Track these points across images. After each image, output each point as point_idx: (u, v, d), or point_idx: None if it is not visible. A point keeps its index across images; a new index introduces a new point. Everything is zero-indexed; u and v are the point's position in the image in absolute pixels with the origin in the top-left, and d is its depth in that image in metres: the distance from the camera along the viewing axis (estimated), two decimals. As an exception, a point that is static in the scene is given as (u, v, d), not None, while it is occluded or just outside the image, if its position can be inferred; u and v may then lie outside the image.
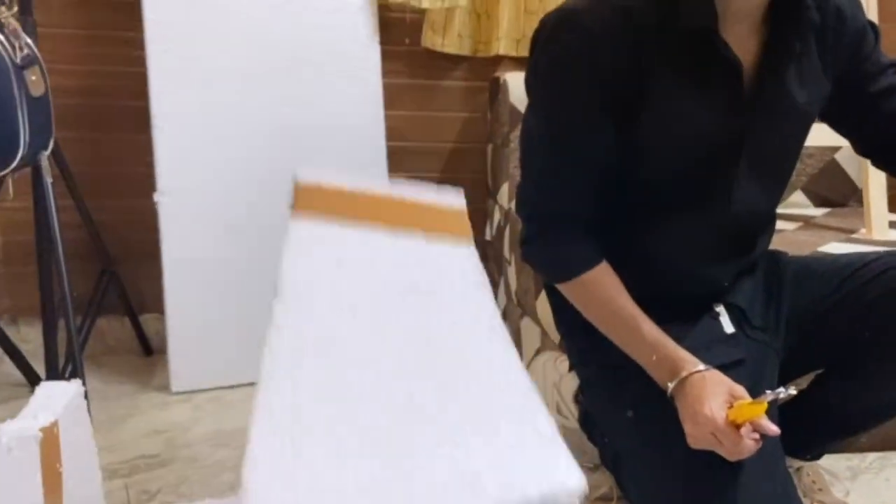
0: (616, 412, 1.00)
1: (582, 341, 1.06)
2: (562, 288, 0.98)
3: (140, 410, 1.51)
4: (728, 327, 1.00)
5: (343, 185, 0.74)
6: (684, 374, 0.88)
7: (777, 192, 1.04)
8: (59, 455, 0.88)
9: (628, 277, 0.95)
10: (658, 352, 0.91)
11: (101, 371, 1.64)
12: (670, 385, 0.89)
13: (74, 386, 0.93)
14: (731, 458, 0.83)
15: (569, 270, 0.96)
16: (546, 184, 0.95)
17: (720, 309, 1.01)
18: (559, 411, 1.21)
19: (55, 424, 0.87)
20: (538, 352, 1.44)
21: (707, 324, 0.99)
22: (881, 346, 0.99)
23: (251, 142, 1.59)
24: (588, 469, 1.20)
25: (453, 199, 0.75)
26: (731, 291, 1.02)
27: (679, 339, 0.92)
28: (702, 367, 0.88)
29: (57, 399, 0.90)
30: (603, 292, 0.95)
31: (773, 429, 0.82)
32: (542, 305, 1.41)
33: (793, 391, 0.82)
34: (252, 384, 1.65)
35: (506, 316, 1.73)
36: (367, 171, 1.66)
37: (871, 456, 1.34)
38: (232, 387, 1.61)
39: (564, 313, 1.09)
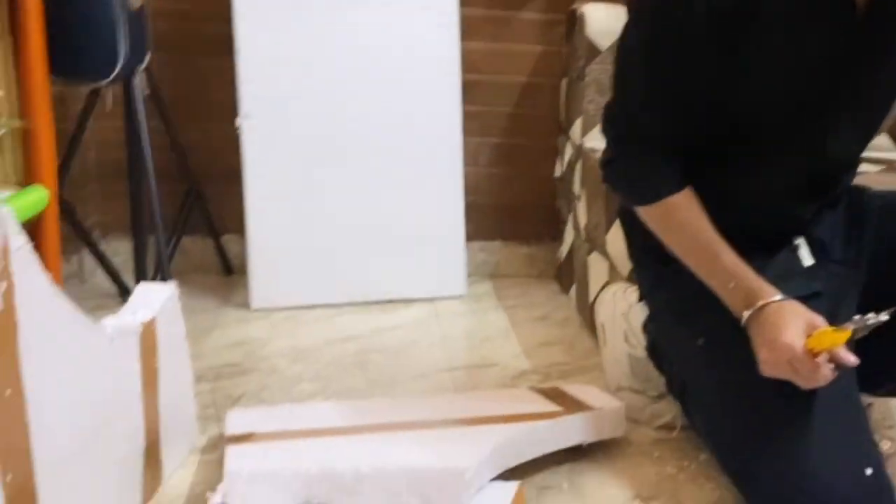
0: (686, 340, 1.01)
1: (655, 270, 1.06)
2: (642, 211, 0.99)
3: (222, 324, 1.59)
4: (807, 260, 0.99)
5: None
6: (761, 302, 0.88)
7: (871, 136, 1.01)
8: (156, 351, 0.95)
9: (709, 209, 0.95)
10: (736, 279, 0.91)
11: (186, 287, 1.71)
12: (746, 313, 0.89)
13: (170, 288, 0.99)
14: (807, 386, 0.83)
15: (653, 193, 0.96)
16: (640, 105, 0.94)
17: (799, 241, 1.00)
18: (627, 340, 1.23)
19: (153, 321, 0.93)
20: (606, 285, 1.45)
21: (786, 256, 0.99)
22: None
23: (332, 67, 1.62)
24: (652, 398, 1.22)
25: None
26: (811, 225, 1.01)
27: (757, 271, 0.92)
28: (779, 296, 0.88)
29: (154, 299, 0.96)
30: (685, 217, 0.95)
31: (852, 359, 0.82)
32: (613, 239, 1.42)
33: (884, 317, 0.81)
34: (325, 305, 1.73)
35: (573, 252, 1.74)
36: (442, 103, 1.67)
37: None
38: (307, 307, 1.67)
39: (638, 241, 1.10)
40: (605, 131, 0.98)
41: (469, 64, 1.79)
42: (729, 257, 0.92)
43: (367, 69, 1.63)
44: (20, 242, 0.65)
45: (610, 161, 0.99)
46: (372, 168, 1.68)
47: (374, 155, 1.67)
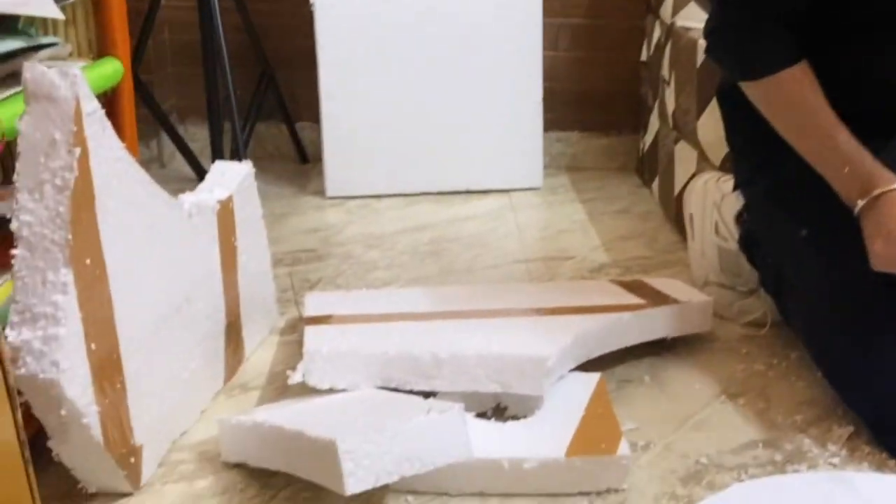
0: (787, 231, 0.94)
1: (756, 155, 0.99)
2: (749, 87, 0.90)
3: (298, 211, 1.59)
4: None
5: None
6: (878, 191, 0.80)
7: None
8: (234, 229, 0.94)
9: (824, 90, 0.86)
10: (852, 164, 0.83)
11: (261, 175, 1.69)
12: (860, 202, 0.82)
13: (247, 167, 0.97)
14: None
15: (765, 66, 0.87)
16: None
17: None
18: (717, 232, 1.16)
19: (230, 199, 0.92)
20: (693, 175, 1.37)
21: None
22: None
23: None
24: (741, 293, 1.16)
25: None
26: None
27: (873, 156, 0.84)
28: None
29: (230, 178, 0.95)
30: (799, 93, 0.86)
31: None
32: (704, 125, 1.33)
33: None
34: (399, 195, 1.71)
35: (658, 141, 1.65)
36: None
37: None
38: (381, 196, 1.66)
39: (738, 124, 1.02)
40: None
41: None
42: (845, 139, 0.84)
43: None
44: (93, 106, 0.63)
45: (716, 30, 0.89)
46: (448, 54, 1.60)
47: (450, 40, 1.59)
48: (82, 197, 0.64)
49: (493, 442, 0.79)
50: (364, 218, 1.56)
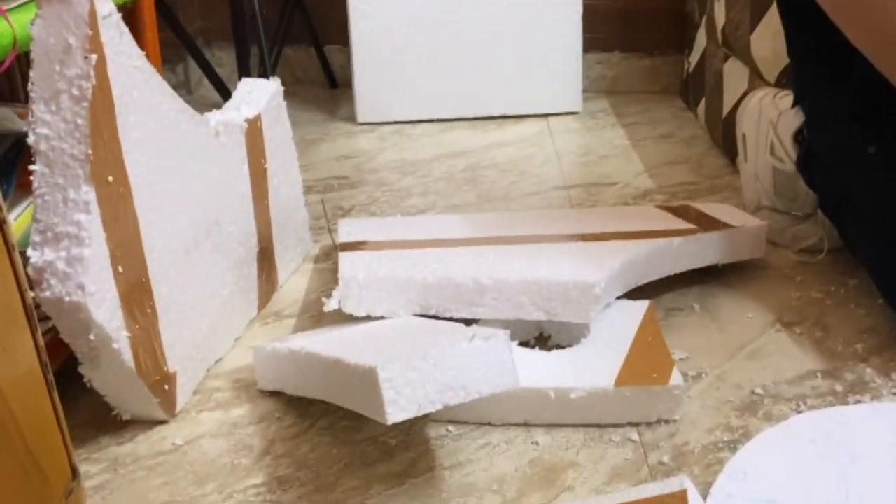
0: (854, 148, 0.87)
1: (821, 65, 0.91)
2: None
3: (329, 137, 1.54)
4: None
5: None
6: None
7: None
8: (264, 151, 0.90)
9: None
10: None
11: (290, 100, 1.64)
12: None
13: (274, 84, 0.92)
14: None
15: None
16: None
17: None
18: (773, 152, 1.09)
19: (258, 118, 0.87)
20: (745, 94, 1.29)
21: None
22: None
23: None
24: (797, 218, 1.10)
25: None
26: None
27: None
28: None
29: (259, 95, 0.90)
30: None
31: None
32: (758, 39, 1.25)
33: None
34: (433, 120, 1.65)
35: (704, 60, 1.56)
36: None
37: None
38: (414, 122, 1.60)
39: (803, 32, 0.94)
40: None
41: None
42: None
43: None
44: (109, 8, 0.58)
45: None
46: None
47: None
48: (101, 108, 0.60)
49: (538, 371, 0.76)
50: (397, 144, 1.51)
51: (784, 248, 1.09)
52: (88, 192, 0.60)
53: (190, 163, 0.75)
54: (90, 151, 0.59)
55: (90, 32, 0.57)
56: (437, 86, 1.59)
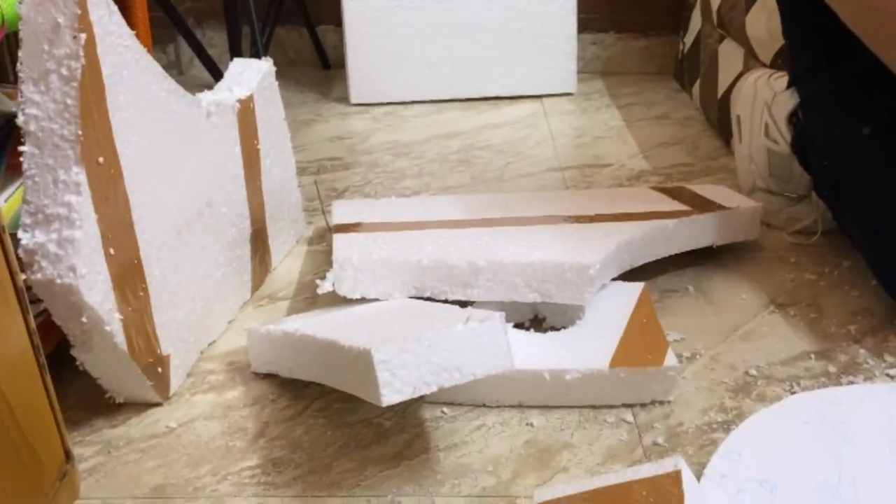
0: (849, 129, 0.87)
1: (817, 46, 0.90)
2: None
3: (322, 118, 1.53)
4: None
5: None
6: None
7: None
8: (256, 132, 0.89)
9: None
10: None
11: (283, 81, 1.63)
12: None
13: (266, 64, 0.91)
14: None
15: None
16: None
17: None
18: (767, 134, 1.09)
19: (251, 98, 0.86)
20: (740, 76, 1.28)
21: None
22: None
23: None
24: (790, 200, 1.10)
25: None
26: None
27: None
28: None
29: (250, 76, 0.89)
30: None
31: None
32: (754, 20, 1.24)
33: None
34: (427, 101, 1.64)
35: (699, 41, 1.56)
36: None
37: None
38: (408, 103, 1.59)
39: (799, 13, 0.93)
40: None
41: None
42: None
43: None
44: (97, -14, 0.57)
45: None
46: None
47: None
48: (91, 89, 0.59)
49: (533, 352, 0.76)
50: (391, 125, 1.50)
51: (779, 229, 1.09)
52: (79, 174, 0.59)
53: (181, 143, 0.75)
54: (80, 132, 0.58)
55: (79, 11, 0.56)
56: (431, 67, 1.57)
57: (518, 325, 0.85)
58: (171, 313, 0.75)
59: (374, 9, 1.53)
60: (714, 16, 1.45)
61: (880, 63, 0.80)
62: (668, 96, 1.65)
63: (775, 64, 1.18)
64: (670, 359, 0.76)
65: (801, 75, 0.98)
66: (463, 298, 0.83)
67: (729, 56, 1.39)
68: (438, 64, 1.57)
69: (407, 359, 0.61)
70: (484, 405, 0.76)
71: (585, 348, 0.77)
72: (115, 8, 0.61)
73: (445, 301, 0.82)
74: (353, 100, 1.58)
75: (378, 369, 0.59)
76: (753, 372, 0.81)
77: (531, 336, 0.80)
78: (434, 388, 0.62)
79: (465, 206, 1.03)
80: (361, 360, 0.60)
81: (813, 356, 0.83)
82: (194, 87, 1.60)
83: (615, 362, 0.75)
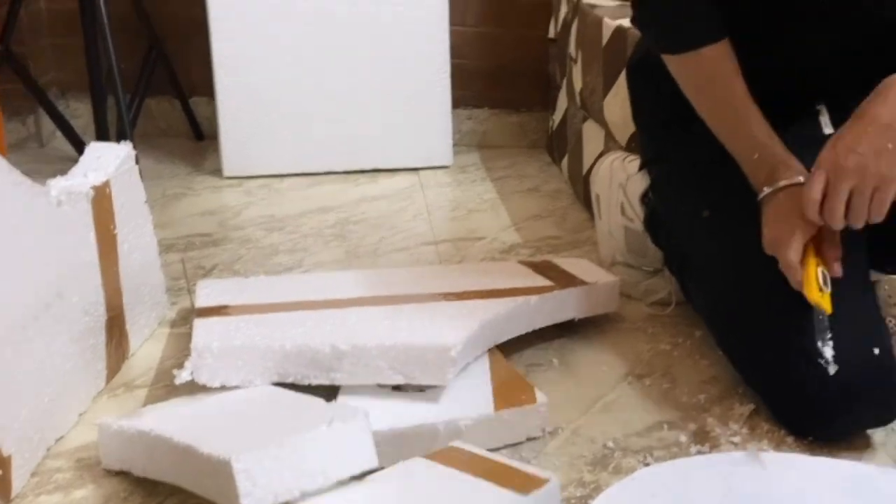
0: (690, 211, 0.94)
1: (663, 133, 0.98)
2: (671, 61, 0.88)
3: (193, 192, 1.50)
4: (827, 128, 0.90)
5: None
6: (783, 182, 0.80)
7: None
8: (113, 217, 0.87)
9: (742, 69, 0.85)
10: (762, 150, 0.83)
11: (154, 152, 1.62)
12: (766, 189, 0.82)
13: (126, 148, 0.90)
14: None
15: (688, 40, 0.85)
16: None
17: (821, 107, 0.91)
18: (624, 212, 1.15)
19: (107, 184, 0.84)
20: (601, 155, 1.36)
21: (804, 122, 0.90)
22: None
23: None
24: (647, 273, 1.16)
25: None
26: (840, 88, 0.91)
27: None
28: (802, 178, 0.80)
29: (108, 160, 0.87)
30: (718, 72, 0.85)
31: (836, 272, 0.78)
32: (611, 104, 1.32)
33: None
34: (303, 174, 1.65)
35: (566, 120, 1.64)
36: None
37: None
38: (283, 176, 1.59)
39: (647, 102, 1.00)
40: None
41: None
42: (759, 124, 0.83)
43: None
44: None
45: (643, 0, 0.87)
46: (351, 26, 1.54)
47: (353, 12, 1.53)
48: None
49: (413, 410, 0.78)
50: (264, 199, 1.49)
51: (638, 301, 1.15)
52: None
53: (27, 236, 0.72)
54: None
55: None
56: (307, 139, 1.58)
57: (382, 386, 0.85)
58: (13, 412, 0.71)
59: (247, 80, 1.53)
60: (577, 98, 1.54)
61: (720, 151, 0.87)
62: (540, 169, 1.73)
63: (630, 147, 1.26)
64: (540, 397, 0.84)
65: (650, 159, 1.06)
66: (327, 383, 0.82)
67: (591, 136, 1.47)
68: (315, 136, 1.59)
69: (269, 466, 0.59)
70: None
71: (464, 399, 0.81)
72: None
73: (309, 385, 0.81)
74: (226, 172, 1.56)
75: (238, 479, 0.58)
76: (611, 444, 0.84)
77: (409, 396, 0.82)
78: (297, 494, 0.61)
79: (335, 284, 1.03)
80: (221, 469, 0.59)
81: (666, 426, 0.87)
82: (57, 160, 1.55)
83: (498, 406, 0.81)
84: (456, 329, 0.87)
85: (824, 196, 0.75)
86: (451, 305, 0.95)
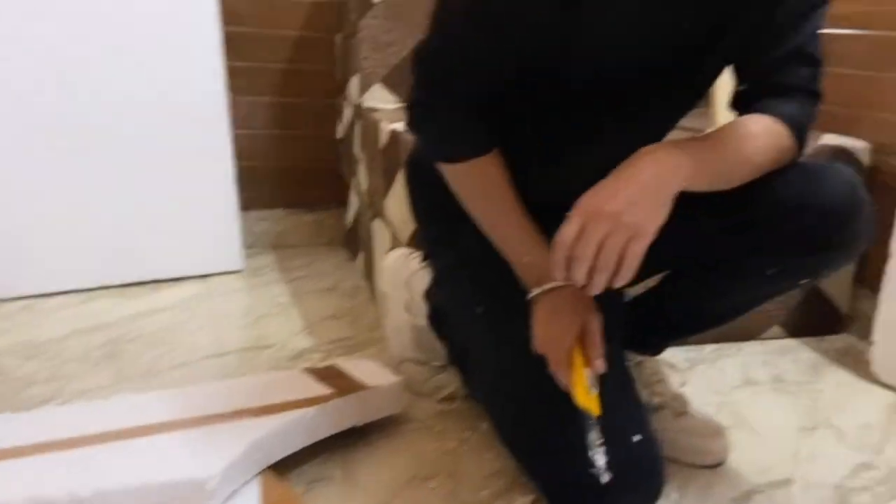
0: (466, 307, 0.95)
1: (439, 228, 0.99)
2: (445, 167, 0.89)
3: (-64, 321, 1.34)
4: None
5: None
6: (552, 285, 0.83)
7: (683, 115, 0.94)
8: None
9: (511, 173, 0.87)
10: (532, 254, 0.85)
11: None
12: (535, 290, 0.84)
13: None
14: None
15: (457, 152, 0.86)
16: (456, 51, 0.81)
17: None
18: (409, 310, 1.15)
19: None
20: (389, 252, 1.37)
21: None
22: (720, 259, 0.95)
23: (49, 14, 1.38)
24: (435, 369, 1.16)
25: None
26: None
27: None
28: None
29: None
30: (490, 180, 0.86)
31: (600, 368, 0.80)
32: (392, 203, 1.34)
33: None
34: (73, 291, 1.51)
35: (358, 218, 1.65)
36: (200, 58, 1.49)
37: (708, 347, 1.38)
38: (49, 294, 1.45)
39: (423, 198, 1.02)
40: (414, 73, 0.85)
41: (231, 15, 1.62)
42: (527, 229, 0.86)
43: (97, 19, 1.41)
44: None
45: (412, 108, 0.87)
46: (119, 133, 1.47)
47: (119, 120, 1.46)
48: None
49: None
50: (25, 323, 1.35)
51: (427, 397, 1.14)
52: None
53: None
54: None
55: None
56: (77, 251, 1.47)
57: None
58: None
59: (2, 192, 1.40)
60: (365, 196, 1.55)
61: (493, 248, 0.89)
62: (337, 266, 1.71)
63: (412, 243, 1.27)
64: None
65: (429, 252, 1.06)
66: (64, 538, 0.73)
67: (380, 233, 1.48)
68: (86, 248, 1.47)
69: None
70: None
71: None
72: None
73: (43, 544, 0.72)
74: (-20, 296, 1.41)
75: None
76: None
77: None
78: None
79: (89, 418, 0.93)
80: None
81: (448, 531, 0.85)
82: None
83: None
84: (216, 457, 0.81)
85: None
86: (219, 428, 0.89)
